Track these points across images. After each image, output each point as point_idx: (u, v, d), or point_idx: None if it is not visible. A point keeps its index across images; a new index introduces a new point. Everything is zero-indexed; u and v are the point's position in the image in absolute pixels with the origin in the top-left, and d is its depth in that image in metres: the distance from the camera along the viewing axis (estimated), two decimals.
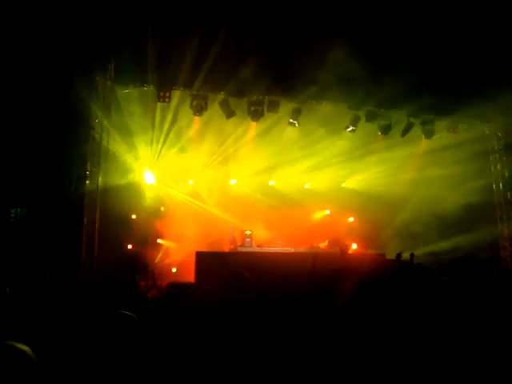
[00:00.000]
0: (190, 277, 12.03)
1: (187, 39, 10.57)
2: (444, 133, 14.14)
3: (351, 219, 16.19)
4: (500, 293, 5.04)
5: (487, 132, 14.79)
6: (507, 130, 14.14)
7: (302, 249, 13.36)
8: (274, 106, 12.55)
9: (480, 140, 14.53)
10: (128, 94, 11.92)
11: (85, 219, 10.69)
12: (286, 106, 12.84)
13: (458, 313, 4.53)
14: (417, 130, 13.91)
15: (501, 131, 14.45)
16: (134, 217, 13.80)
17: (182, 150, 13.77)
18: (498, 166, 14.53)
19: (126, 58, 10.43)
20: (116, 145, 12.11)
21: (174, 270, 13.68)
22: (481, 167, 14.41)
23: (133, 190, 13.56)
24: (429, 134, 13.88)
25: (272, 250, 13.19)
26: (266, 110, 12.57)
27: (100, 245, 11.04)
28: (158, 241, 13.96)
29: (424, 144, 14.48)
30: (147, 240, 13.57)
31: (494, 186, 14.65)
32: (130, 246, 13.20)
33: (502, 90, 11.60)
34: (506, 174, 14.32)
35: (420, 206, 14.49)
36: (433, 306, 4.75)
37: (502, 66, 11.61)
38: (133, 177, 13.57)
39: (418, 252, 13.68)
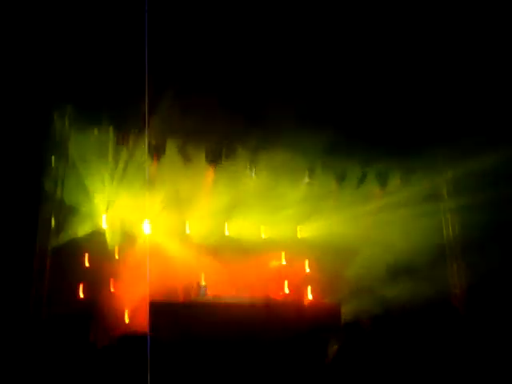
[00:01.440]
0: (143, 327, 11.71)
1: (145, 84, 10.64)
2: (398, 183, 14.58)
3: (307, 268, 16.22)
4: None
5: (439, 183, 15.30)
6: (458, 181, 14.65)
7: (259, 299, 13.27)
8: (231, 154, 12.70)
9: (432, 190, 15.04)
10: (85, 137, 11.85)
11: (35, 259, 10.38)
12: (243, 155, 13.00)
13: None
14: (372, 182, 14.32)
15: (451, 182, 15.00)
16: (86, 264, 13.44)
17: None
18: (449, 217, 14.99)
19: (84, 100, 10.41)
20: (72, 192, 11.96)
21: (126, 320, 13.29)
22: (433, 220, 14.85)
23: (87, 237, 13.29)
24: (383, 185, 14.31)
25: (228, 300, 13.08)
26: (223, 157, 12.69)
27: (50, 289, 10.70)
28: (111, 289, 13.58)
29: (379, 194, 14.87)
30: (100, 287, 13.20)
31: (444, 233, 15.07)
32: (81, 294, 12.80)
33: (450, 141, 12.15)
34: (457, 227, 14.77)
35: (374, 255, 14.69)
36: None
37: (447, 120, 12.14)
38: (87, 223, 13.32)
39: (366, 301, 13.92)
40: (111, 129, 11.65)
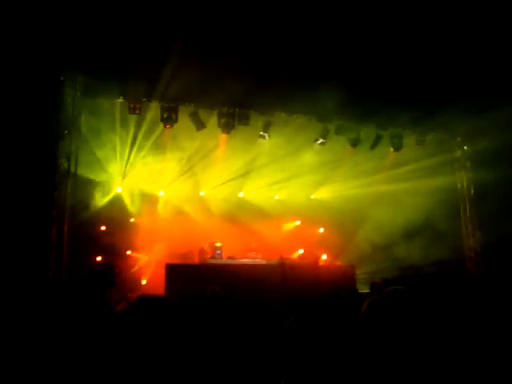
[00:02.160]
0: (160, 289, 11.98)
1: (157, 51, 10.56)
2: (412, 146, 14.44)
3: (321, 230, 16.33)
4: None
5: (453, 145, 15.15)
6: (473, 143, 14.50)
7: (273, 260, 13.44)
8: (244, 119, 12.62)
9: (446, 154, 14.90)
10: (100, 104, 11.87)
11: (53, 230, 10.54)
12: (256, 119, 12.94)
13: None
14: (386, 144, 14.17)
15: (466, 144, 14.83)
16: (103, 228, 13.67)
17: None
18: (464, 179, 14.90)
19: (95, 69, 10.37)
20: (86, 157, 12.08)
21: (143, 282, 13.58)
22: (447, 180, 14.76)
23: (103, 198, 13.49)
24: (397, 147, 14.17)
25: (243, 261, 13.23)
26: (236, 122, 12.63)
27: (68, 256, 10.91)
28: (128, 252, 13.84)
29: (392, 157, 14.77)
30: (117, 251, 13.45)
31: (459, 199, 15.01)
32: (99, 258, 13.05)
33: (467, 104, 11.95)
34: (472, 188, 14.70)
35: (387, 218, 14.71)
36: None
37: (467, 82, 11.92)
38: (102, 188, 13.51)
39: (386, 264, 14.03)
40: (124, 97, 11.62)
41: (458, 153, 15.12)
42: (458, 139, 14.97)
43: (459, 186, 15.12)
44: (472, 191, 14.70)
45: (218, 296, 6.97)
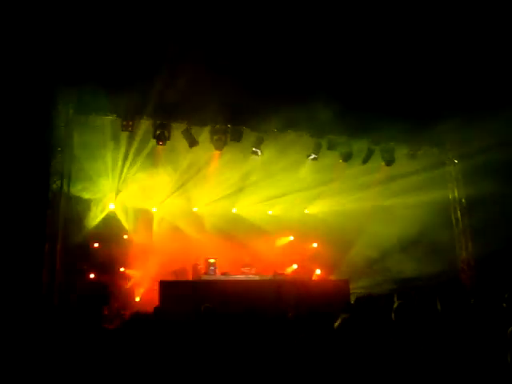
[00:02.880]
0: (154, 306, 11.90)
1: (150, 69, 10.65)
2: (404, 160, 14.54)
3: (315, 245, 16.34)
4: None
5: (444, 159, 15.26)
6: (463, 157, 14.61)
7: (267, 276, 13.43)
8: (237, 135, 12.69)
9: (438, 167, 15.01)
10: (92, 122, 11.90)
11: (46, 247, 10.49)
12: (249, 135, 13.01)
13: None
14: (378, 158, 14.27)
15: (457, 158, 14.94)
16: (96, 245, 13.62)
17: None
18: (456, 193, 15.00)
19: (89, 86, 10.41)
20: (79, 174, 12.10)
21: (137, 298, 13.51)
22: (439, 194, 14.86)
23: (96, 216, 13.47)
24: (389, 162, 14.27)
25: (237, 277, 13.20)
26: (229, 138, 12.69)
27: (62, 273, 10.87)
28: (121, 269, 13.78)
29: (385, 171, 14.87)
30: (110, 269, 13.39)
31: (451, 210, 15.07)
32: (92, 275, 13.00)
33: (457, 117, 12.09)
34: (463, 200, 14.79)
35: (380, 232, 14.76)
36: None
37: (457, 95, 12.06)
38: (97, 204, 13.50)
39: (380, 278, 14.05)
40: (117, 115, 11.67)
41: (450, 166, 15.21)
42: (449, 153, 15.09)
43: (451, 198, 15.19)
44: (464, 204, 14.77)
45: (213, 313, 6.94)
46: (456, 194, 15.02)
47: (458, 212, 14.92)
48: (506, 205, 12.60)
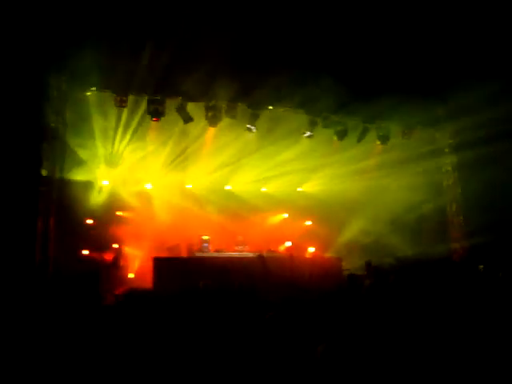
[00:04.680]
0: (147, 283, 11.96)
1: (143, 44, 10.50)
2: (398, 139, 14.50)
3: (308, 223, 16.38)
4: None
5: (438, 137, 15.22)
6: (457, 134, 14.58)
7: (260, 252, 13.46)
8: (231, 112, 12.58)
9: (432, 145, 14.99)
10: (86, 97, 11.72)
11: (39, 222, 10.42)
12: (243, 112, 12.90)
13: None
14: (373, 137, 14.22)
15: (452, 137, 14.90)
16: (90, 222, 13.58)
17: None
18: (450, 180, 14.99)
19: (82, 62, 10.24)
20: (75, 147, 12.00)
21: (131, 275, 13.53)
22: (434, 173, 14.88)
23: (89, 193, 13.39)
24: (384, 140, 14.24)
25: (230, 254, 13.25)
26: (223, 115, 12.58)
27: (55, 250, 10.83)
28: (115, 246, 13.77)
29: (379, 151, 14.84)
30: (103, 245, 13.38)
31: (444, 184, 15.10)
32: (86, 252, 12.98)
33: (452, 95, 12.05)
34: (458, 189, 14.80)
35: (376, 211, 14.81)
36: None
37: (453, 71, 12.01)
38: (90, 181, 13.41)
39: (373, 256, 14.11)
40: (111, 90, 11.49)
41: (445, 146, 15.18)
42: (444, 132, 15.04)
43: (444, 169, 15.19)
44: (459, 189, 14.77)
45: (211, 289, 6.98)
46: (451, 181, 15.01)
47: (452, 192, 14.91)
48: (500, 186, 12.64)
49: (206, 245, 13.47)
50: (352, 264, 13.56)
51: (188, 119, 12.31)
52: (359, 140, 14.08)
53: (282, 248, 15.16)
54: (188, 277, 10.63)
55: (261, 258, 12.52)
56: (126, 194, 14.31)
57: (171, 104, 12.16)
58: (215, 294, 7.31)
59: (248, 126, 13.13)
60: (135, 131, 12.86)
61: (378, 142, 14.48)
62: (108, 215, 13.77)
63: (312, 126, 13.63)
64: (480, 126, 12.26)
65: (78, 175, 12.71)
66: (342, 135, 13.89)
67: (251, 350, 4.52)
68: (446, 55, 11.77)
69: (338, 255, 14.14)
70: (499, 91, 11.36)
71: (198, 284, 7.97)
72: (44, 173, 10.59)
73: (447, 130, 14.74)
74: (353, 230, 15.21)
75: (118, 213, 14.18)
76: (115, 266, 13.21)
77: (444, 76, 12.22)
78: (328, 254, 14.69)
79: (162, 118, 12.22)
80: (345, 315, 5.02)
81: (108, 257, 13.26)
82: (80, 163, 12.60)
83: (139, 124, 12.68)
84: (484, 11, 10.62)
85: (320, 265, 13.03)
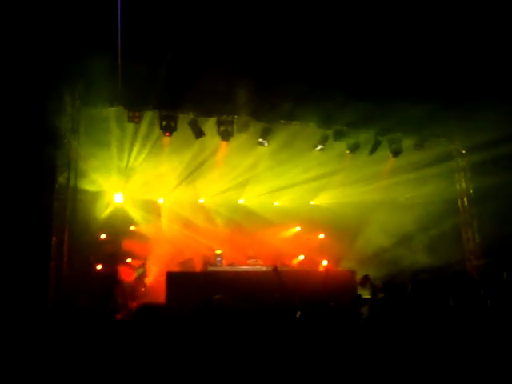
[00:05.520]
0: (160, 297, 11.96)
1: (157, 60, 10.59)
2: (411, 151, 14.43)
3: (321, 236, 16.33)
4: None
5: (452, 150, 15.12)
6: (471, 148, 14.50)
7: (274, 266, 13.40)
8: (243, 126, 12.63)
9: (445, 158, 14.88)
10: (98, 113, 11.81)
11: (53, 239, 10.48)
12: (255, 126, 12.94)
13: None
14: (385, 150, 14.17)
15: (465, 149, 14.82)
16: (103, 236, 13.66)
17: None
18: (463, 184, 14.87)
19: (95, 78, 10.35)
20: (85, 165, 12.05)
21: (143, 290, 13.56)
22: (446, 185, 14.77)
23: (102, 209, 13.48)
24: (396, 152, 14.17)
25: (243, 268, 13.21)
26: (235, 129, 12.63)
27: (68, 265, 10.88)
28: (128, 260, 13.83)
29: (392, 163, 14.77)
30: (117, 260, 13.44)
31: (459, 202, 14.95)
32: (99, 267, 13.04)
33: (465, 109, 11.99)
34: (471, 191, 14.67)
35: (388, 225, 14.73)
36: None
37: (466, 87, 11.96)
38: (103, 196, 13.51)
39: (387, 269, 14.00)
40: (123, 106, 11.58)
41: (457, 157, 15.08)
42: (457, 143, 14.95)
43: (458, 188, 15.07)
44: (472, 194, 14.64)
45: (224, 305, 6.94)
46: (463, 185, 14.89)
47: (466, 203, 14.78)
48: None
49: (219, 259, 13.44)
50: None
51: (200, 134, 12.37)
52: (371, 153, 14.03)
53: (295, 262, 15.12)
54: (202, 292, 10.60)
55: (275, 270, 12.48)
56: (140, 209, 14.39)
57: (184, 119, 12.23)
58: (230, 310, 7.28)
59: (260, 139, 13.17)
60: (148, 146, 12.92)
61: (391, 155, 14.42)
62: (121, 230, 13.84)
63: (323, 139, 13.63)
64: (496, 142, 12.19)
65: (89, 187, 12.81)
66: (354, 148, 13.86)
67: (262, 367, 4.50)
68: (458, 67, 11.74)
69: (352, 268, 14.05)
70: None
71: (212, 299, 7.92)
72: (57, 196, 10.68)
73: (462, 142, 14.67)
74: (365, 243, 15.12)
75: (132, 227, 14.25)
76: (140, 282, 13.29)
77: (457, 87, 12.17)
78: (341, 268, 14.61)
79: (174, 133, 12.28)
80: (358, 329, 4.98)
81: (125, 272, 13.33)
82: (91, 175, 12.67)
83: (152, 139, 12.75)
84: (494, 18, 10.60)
85: (333, 278, 12.96)
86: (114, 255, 13.31)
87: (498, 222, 12.76)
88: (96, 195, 13.22)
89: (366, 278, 11.97)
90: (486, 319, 4.87)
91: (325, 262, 15.19)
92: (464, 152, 14.88)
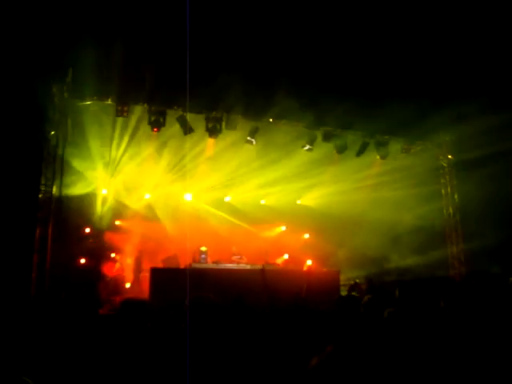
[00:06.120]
0: (144, 293, 11.92)
1: (147, 55, 10.54)
2: (398, 154, 14.55)
3: (307, 236, 16.38)
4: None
5: (438, 154, 15.25)
6: (457, 152, 14.64)
7: (258, 265, 13.43)
8: (232, 124, 12.63)
9: (431, 162, 15.02)
10: (87, 106, 11.72)
11: (37, 232, 10.40)
12: (244, 124, 12.94)
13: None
14: (372, 151, 14.27)
15: (451, 153, 14.96)
16: (87, 230, 13.57)
17: None
18: (448, 188, 15.01)
19: (84, 70, 10.28)
20: (73, 157, 11.95)
21: (127, 285, 13.50)
22: (432, 189, 14.90)
23: (88, 203, 13.38)
24: (383, 155, 14.28)
25: (228, 266, 13.20)
26: (224, 127, 12.63)
27: (53, 258, 10.79)
28: (112, 255, 13.75)
29: (379, 165, 14.87)
30: (101, 254, 13.36)
31: (444, 206, 15.08)
32: (83, 261, 12.95)
33: (451, 112, 12.10)
34: (456, 196, 14.81)
35: (374, 226, 14.81)
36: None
37: (452, 93, 12.06)
38: (89, 190, 13.41)
39: (372, 271, 14.09)
40: (113, 100, 11.49)
41: (444, 161, 15.22)
42: (444, 148, 15.08)
43: (443, 192, 15.20)
44: (456, 199, 14.78)
45: (207, 302, 6.93)
46: (449, 190, 15.03)
47: (451, 208, 14.91)
48: (497, 203, 12.63)
49: (203, 256, 13.40)
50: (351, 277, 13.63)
51: (188, 130, 12.33)
52: (358, 154, 14.12)
53: (279, 260, 15.14)
54: (185, 288, 10.57)
55: (262, 272, 12.48)
56: (125, 204, 14.31)
57: (172, 115, 12.19)
58: (211, 306, 7.28)
59: (248, 138, 13.17)
60: (135, 141, 12.87)
61: (378, 157, 14.51)
62: (106, 224, 13.76)
63: (312, 139, 13.68)
64: (480, 146, 12.31)
65: (77, 187, 12.70)
66: (341, 149, 13.92)
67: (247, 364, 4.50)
68: (444, 73, 11.85)
69: (336, 268, 14.11)
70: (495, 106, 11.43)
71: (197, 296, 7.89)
72: (43, 188, 10.59)
73: (447, 146, 14.82)
74: (351, 243, 15.19)
75: (117, 222, 14.17)
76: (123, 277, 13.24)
77: (444, 92, 12.27)
78: (326, 268, 14.66)
79: (163, 129, 12.24)
80: (341, 329, 5.01)
81: (108, 266, 13.26)
82: (78, 175, 12.58)
83: (136, 133, 12.66)
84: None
85: (317, 278, 13.01)
86: (97, 249, 13.23)
87: (481, 228, 12.89)
88: (82, 197, 13.08)
89: (355, 285, 12.09)
90: (475, 321, 4.92)
91: (309, 262, 15.24)
92: (450, 157, 15.02)
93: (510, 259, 11.27)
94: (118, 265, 13.63)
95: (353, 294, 10.40)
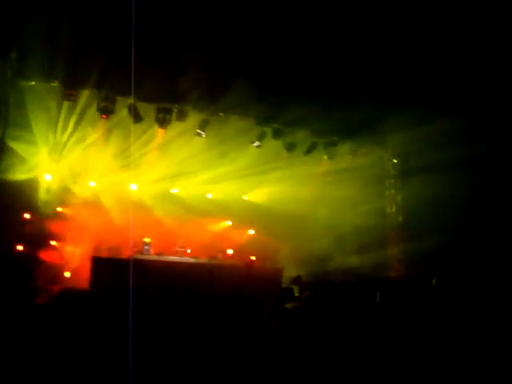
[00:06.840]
0: (84, 283, 11.67)
1: (100, 38, 10.29)
2: (345, 155, 14.85)
3: (252, 232, 16.42)
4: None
5: (384, 157, 15.66)
6: (402, 156, 15.06)
7: (202, 259, 13.39)
8: (182, 115, 12.54)
9: (377, 165, 15.41)
10: (32, 87, 11.30)
11: None
12: (194, 117, 12.87)
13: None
14: (320, 151, 14.50)
15: (396, 157, 15.38)
16: (27, 216, 13.12)
17: None
18: (392, 191, 15.43)
19: (31, 50, 9.92)
20: (14, 139, 11.52)
21: (67, 274, 13.16)
22: (377, 191, 15.28)
23: (29, 188, 12.92)
24: (331, 155, 14.55)
25: (171, 258, 13.10)
26: (174, 118, 12.51)
27: None
28: (52, 243, 13.36)
29: (326, 165, 15.12)
30: (40, 241, 12.96)
31: (388, 209, 15.49)
32: (20, 247, 12.52)
33: (399, 117, 12.41)
34: (399, 198, 15.23)
35: (318, 224, 15.03)
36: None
37: (400, 96, 12.35)
38: (30, 174, 12.95)
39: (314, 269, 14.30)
40: (60, 83, 11.12)
41: (388, 164, 15.63)
42: (389, 151, 15.49)
43: (387, 194, 15.60)
44: (399, 202, 15.19)
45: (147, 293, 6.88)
46: (393, 191, 15.44)
47: (393, 208, 15.32)
48: (439, 205, 13.03)
49: (147, 247, 13.24)
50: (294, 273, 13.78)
51: (138, 119, 12.15)
52: (307, 153, 14.32)
53: (223, 254, 15.12)
54: (127, 279, 10.43)
55: (210, 269, 12.47)
56: (69, 190, 13.92)
57: (122, 102, 11.97)
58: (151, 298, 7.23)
59: (198, 131, 13.12)
60: (82, 127, 12.54)
61: (326, 157, 14.77)
62: (47, 210, 13.34)
63: (262, 136, 13.77)
64: (425, 151, 12.69)
65: (18, 171, 12.25)
66: (290, 147, 14.08)
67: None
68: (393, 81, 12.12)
69: (280, 266, 14.25)
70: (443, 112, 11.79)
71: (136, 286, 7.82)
72: None
73: (394, 150, 15.21)
74: (295, 241, 15.35)
75: (59, 208, 13.77)
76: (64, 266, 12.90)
77: (393, 98, 12.54)
78: (269, 264, 14.77)
79: (113, 117, 12.01)
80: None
81: (48, 254, 12.87)
82: (19, 158, 12.14)
83: (82, 117, 12.33)
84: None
85: (259, 275, 13.10)
86: (37, 236, 12.81)
87: (421, 231, 13.29)
88: (22, 182, 12.61)
89: (298, 278, 12.26)
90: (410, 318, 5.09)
91: (253, 258, 15.30)
92: (395, 161, 15.44)
93: (443, 262, 11.72)
94: (57, 252, 13.25)
95: (293, 287, 10.52)
